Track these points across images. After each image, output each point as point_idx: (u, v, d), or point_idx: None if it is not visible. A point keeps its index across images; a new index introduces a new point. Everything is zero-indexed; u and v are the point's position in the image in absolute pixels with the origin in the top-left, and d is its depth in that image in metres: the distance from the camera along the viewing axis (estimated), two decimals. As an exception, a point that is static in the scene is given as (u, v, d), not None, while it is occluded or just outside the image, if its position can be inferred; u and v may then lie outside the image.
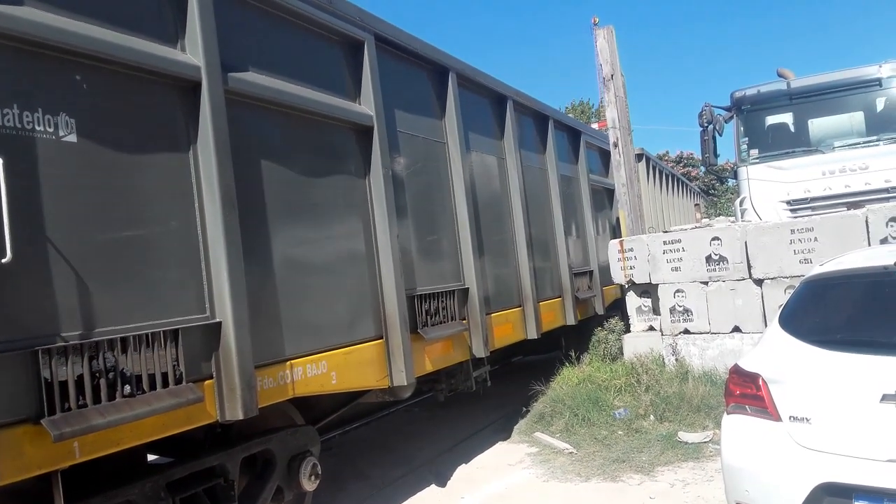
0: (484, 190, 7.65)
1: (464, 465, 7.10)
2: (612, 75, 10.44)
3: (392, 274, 5.57)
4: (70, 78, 3.52)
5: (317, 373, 4.76)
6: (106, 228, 3.58)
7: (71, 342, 3.28)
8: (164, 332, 3.70)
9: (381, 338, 5.54)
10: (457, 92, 7.07)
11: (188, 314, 3.90)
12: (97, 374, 3.37)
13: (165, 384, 3.68)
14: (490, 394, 9.43)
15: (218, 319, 4.01)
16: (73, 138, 3.47)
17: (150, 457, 5.17)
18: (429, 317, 6.21)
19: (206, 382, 3.97)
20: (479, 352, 6.88)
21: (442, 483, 6.63)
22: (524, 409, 8.41)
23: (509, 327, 7.77)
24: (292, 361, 4.58)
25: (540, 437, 7.55)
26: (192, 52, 4.11)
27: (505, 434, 7.99)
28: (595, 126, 14.66)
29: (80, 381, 3.30)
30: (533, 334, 8.15)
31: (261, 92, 4.58)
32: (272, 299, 4.50)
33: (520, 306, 8.10)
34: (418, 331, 5.98)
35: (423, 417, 9.25)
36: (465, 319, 6.81)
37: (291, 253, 4.75)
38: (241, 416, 3.99)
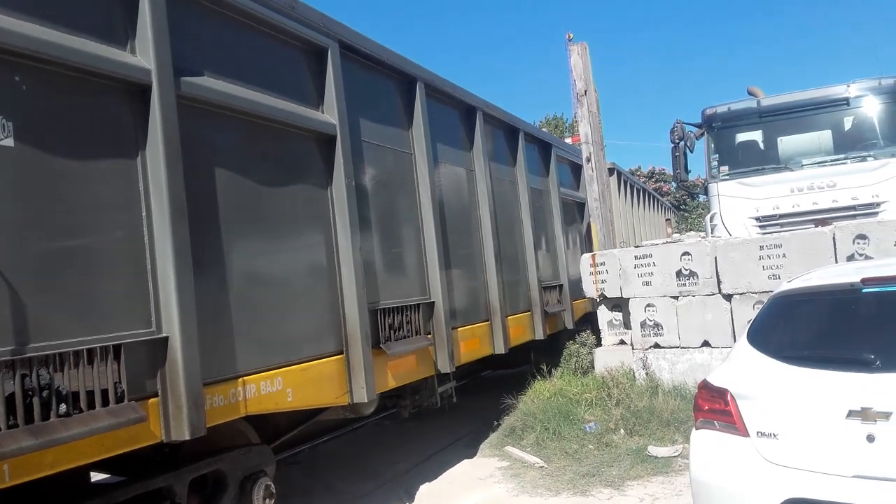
0: (452, 202, 7.52)
1: (434, 479, 7.01)
2: (585, 91, 10.47)
3: (354, 287, 5.40)
4: (8, 79, 3.33)
5: (271, 390, 4.58)
6: (44, 237, 3.38)
7: (1, 358, 3.08)
8: (104, 347, 3.49)
9: (342, 353, 5.37)
10: (424, 102, 6.94)
11: (132, 329, 3.69)
12: (30, 393, 3.16)
13: (106, 403, 3.47)
14: (461, 407, 9.37)
15: (164, 334, 3.82)
16: (9, 142, 3.28)
17: (102, 476, 4.98)
18: (392, 331, 6.05)
19: (151, 401, 3.77)
20: (445, 367, 6.72)
21: (412, 498, 6.54)
22: (495, 422, 8.36)
23: (476, 342, 7.63)
24: (245, 378, 4.39)
25: (511, 451, 7.50)
26: (143, 54, 3.93)
27: (476, 448, 7.93)
28: (568, 141, 14.63)
29: (10, 400, 3.09)
30: (501, 349, 8.02)
31: (216, 97, 4.41)
32: (224, 313, 4.32)
33: (487, 320, 7.97)
34: (381, 346, 5.81)
35: (393, 431, 9.10)
36: (430, 334, 6.66)
37: (246, 265, 4.57)
38: (187, 437, 3.80)
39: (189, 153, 4.13)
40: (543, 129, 19.85)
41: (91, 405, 3.41)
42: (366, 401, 5.41)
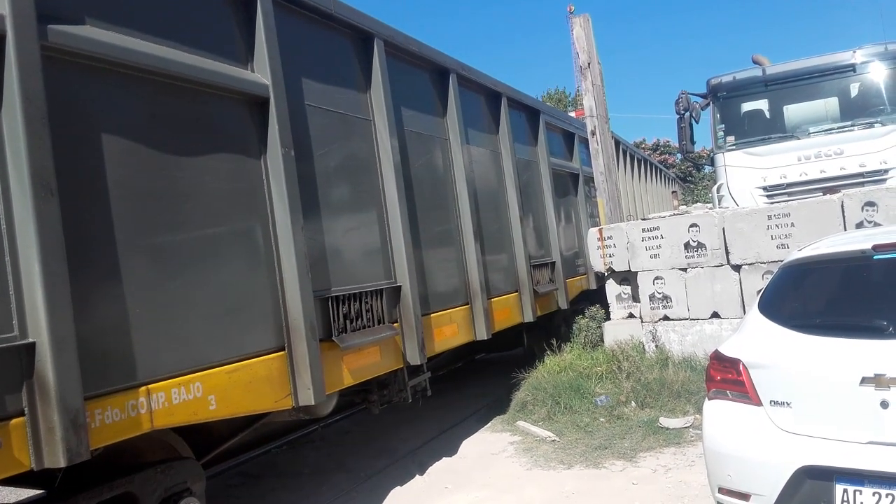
0: (421, 174, 6.76)
1: (447, 455, 7.01)
2: (588, 63, 10.25)
3: (295, 273, 4.67)
4: None
5: (187, 398, 3.87)
6: None
7: None
8: (-63, 360, 2.79)
9: (283, 349, 4.65)
10: (384, 62, 6.15)
11: (-16, 334, 2.99)
12: None
13: (-57, 428, 2.78)
14: (472, 383, 10.06)
15: (30, 339, 3.11)
16: None
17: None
18: (348, 321, 5.33)
19: (14, 421, 3.07)
20: (415, 358, 6.01)
21: (425, 474, 6.52)
22: (506, 397, 8.33)
23: (454, 328, 6.90)
24: (150, 386, 3.67)
25: (522, 425, 7.49)
26: (-7, -2, 3.18)
27: (487, 423, 7.96)
28: (572, 114, 14.12)
29: None
30: (483, 335, 7.30)
31: (104, 51, 3.64)
32: (116, 309, 3.58)
33: (467, 304, 7.24)
34: (333, 339, 5.09)
35: (404, 409, 8.88)
36: (396, 322, 5.94)
37: (149, 248, 3.82)
38: (62, 463, 3.10)
39: (65, 118, 3.42)
40: (547, 104, 19.03)
41: (-78, 433, 2.72)
42: (312, 403, 4.69)
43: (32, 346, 3.11)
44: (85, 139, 3.56)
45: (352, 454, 7.35)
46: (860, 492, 3.20)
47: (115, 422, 3.47)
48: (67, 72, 3.50)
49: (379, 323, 5.69)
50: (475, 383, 10.11)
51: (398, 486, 6.22)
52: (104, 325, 3.51)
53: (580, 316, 9.65)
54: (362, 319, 5.50)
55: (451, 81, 7.42)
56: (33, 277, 3.11)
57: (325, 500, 6.14)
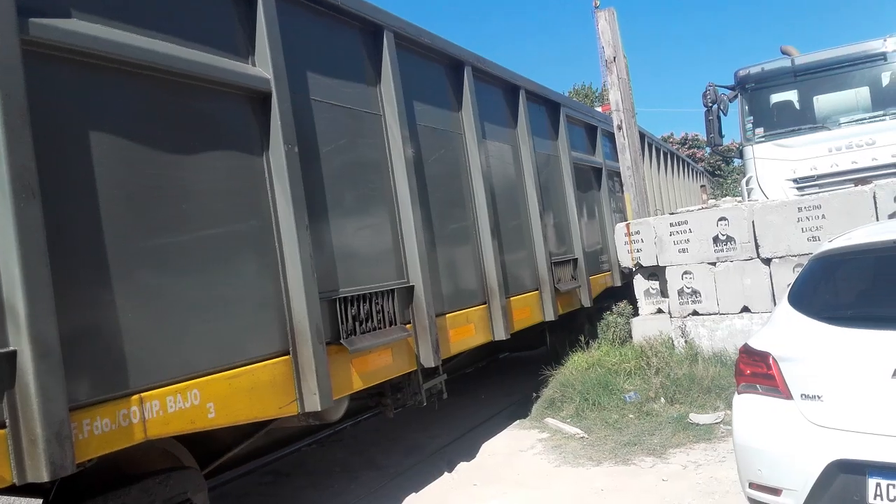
0: (434, 171, 6.55)
1: (475, 452, 7.03)
2: (614, 57, 10.20)
3: (300, 273, 4.49)
4: None
5: (184, 406, 3.71)
6: None
7: None
8: None
9: (288, 353, 4.48)
10: (395, 55, 5.95)
11: (-40, 343, 2.85)
12: None
13: (-84, 443, 2.64)
14: (500, 381, 10.14)
15: (11, 348, 2.96)
16: None
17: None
18: (357, 323, 5.14)
19: (-5, 434, 2.93)
20: (429, 360, 5.80)
21: (454, 471, 6.54)
22: (534, 395, 8.32)
23: (470, 329, 6.69)
24: (143, 394, 3.51)
25: (550, 422, 7.47)
26: (-30, -13, 3.04)
27: (515, 420, 7.96)
28: (599, 109, 13.90)
29: None
30: (501, 335, 7.07)
31: (88, 44, 3.47)
32: (106, 315, 3.42)
33: (484, 303, 7.02)
34: (341, 341, 4.91)
35: (432, 406, 8.88)
36: (409, 323, 5.74)
37: (142, 251, 3.65)
38: (45, 478, 2.95)
39: (49, 116, 3.27)
40: (568, 97, 18.75)
41: None
42: (319, 409, 4.51)
43: (13, 354, 2.96)
44: (72, 138, 3.41)
45: (381, 452, 7.39)
46: (893, 486, 3.14)
47: (105, 432, 3.31)
48: (52, 67, 3.34)
49: (390, 324, 5.50)
50: (501, 381, 10.16)
51: (427, 484, 6.23)
52: (93, 331, 3.35)
53: (608, 312, 9.56)
54: (372, 321, 5.31)
55: (465, 74, 7.20)
56: (13, 283, 2.96)
57: (355, 497, 6.13)
